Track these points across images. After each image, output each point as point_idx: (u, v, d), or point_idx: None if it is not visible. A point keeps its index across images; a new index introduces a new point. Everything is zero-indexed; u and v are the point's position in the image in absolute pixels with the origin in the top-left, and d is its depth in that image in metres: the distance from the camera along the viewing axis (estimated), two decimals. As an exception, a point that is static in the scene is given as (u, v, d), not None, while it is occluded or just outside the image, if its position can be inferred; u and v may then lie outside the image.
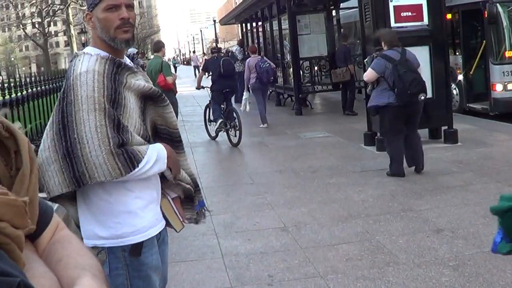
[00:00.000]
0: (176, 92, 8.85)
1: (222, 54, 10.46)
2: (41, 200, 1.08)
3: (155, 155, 1.98)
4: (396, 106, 6.00)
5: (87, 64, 1.94)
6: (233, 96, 9.89)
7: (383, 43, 6.31)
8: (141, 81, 2.06)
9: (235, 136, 8.97)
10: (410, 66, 6.04)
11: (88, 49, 2.05)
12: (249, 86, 11.04)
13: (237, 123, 8.89)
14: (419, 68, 6.23)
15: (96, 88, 1.88)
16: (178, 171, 2.13)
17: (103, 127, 1.85)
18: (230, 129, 9.10)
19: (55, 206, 2.14)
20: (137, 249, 2.00)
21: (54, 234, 1.11)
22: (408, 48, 7.27)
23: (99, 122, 1.85)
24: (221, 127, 9.09)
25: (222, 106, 9.19)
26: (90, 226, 1.99)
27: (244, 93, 11.08)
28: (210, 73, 9.66)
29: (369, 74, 6.26)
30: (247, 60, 11.74)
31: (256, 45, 18.07)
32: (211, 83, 9.48)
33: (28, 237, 1.00)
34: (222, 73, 9.04)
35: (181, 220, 2.22)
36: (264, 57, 12.13)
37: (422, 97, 6.02)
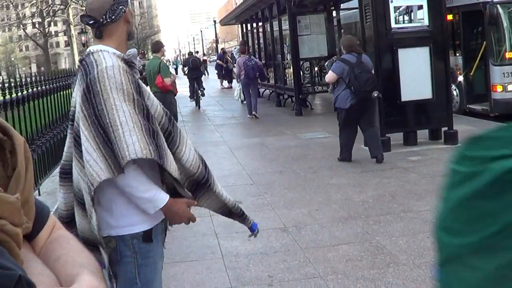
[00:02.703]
0: (176, 92, 8.87)
1: (194, 56, 17.61)
2: (37, 200, 1.08)
3: (153, 192, 2.04)
4: (351, 107, 6.87)
5: (110, 59, 2.03)
6: (201, 79, 16.85)
7: (342, 48, 7.25)
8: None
9: (199, 101, 15.70)
10: (365, 68, 6.86)
11: (100, 46, 2.11)
12: (239, 80, 13.49)
13: (200, 95, 15.83)
14: (372, 69, 7.13)
15: (124, 81, 1.98)
16: (178, 222, 2.18)
17: (135, 115, 1.96)
18: (198, 98, 15.66)
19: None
20: (148, 235, 2.11)
21: (51, 233, 1.11)
22: (408, 49, 7.42)
23: (131, 111, 1.96)
24: (192, 97, 16.09)
25: (195, 86, 16.08)
26: (103, 217, 2.08)
27: (237, 85, 14.60)
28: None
29: (330, 76, 7.10)
30: (237, 60, 13.64)
31: (257, 46, 18.20)
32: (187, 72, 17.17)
33: (25, 236, 1.00)
34: (190, 66, 16.69)
35: None
36: (252, 56, 13.73)
37: (375, 94, 6.82)
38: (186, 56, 21.80)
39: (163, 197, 2.08)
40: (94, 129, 1.97)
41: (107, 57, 2.03)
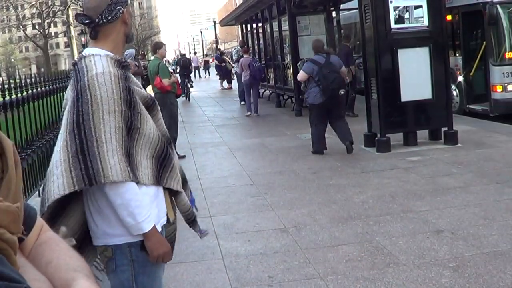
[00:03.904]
0: (180, 93, 8.91)
1: (185, 57, 21.87)
2: (24, 203, 1.08)
3: (145, 210, 1.97)
4: (319, 104, 7.62)
5: (101, 65, 1.95)
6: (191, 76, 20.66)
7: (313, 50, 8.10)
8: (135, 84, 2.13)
9: (189, 94, 18.91)
10: (333, 68, 7.61)
11: (93, 50, 2.04)
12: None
13: (190, 89, 19.24)
14: (342, 68, 7.88)
15: (114, 90, 1.91)
16: (161, 257, 2.06)
17: (121, 129, 1.90)
18: (188, 93, 18.76)
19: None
20: None
21: (39, 236, 1.11)
22: (407, 49, 7.51)
23: (118, 124, 1.90)
24: (183, 92, 16.95)
25: (185, 81, 18.57)
26: (100, 226, 2.02)
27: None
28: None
29: (301, 75, 7.85)
30: (240, 60, 13.79)
31: (256, 46, 18.21)
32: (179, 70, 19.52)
33: None
34: (181, 65, 20.23)
35: (174, 210, 2.26)
36: (255, 58, 14.56)
37: (342, 92, 7.62)
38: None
39: (152, 220, 2.00)
40: (70, 137, 1.90)
41: (98, 62, 1.96)
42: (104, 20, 2.02)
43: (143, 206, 1.95)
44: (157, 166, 2.08)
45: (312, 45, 8.17)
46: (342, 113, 7.99)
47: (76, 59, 2.05)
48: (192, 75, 35.98)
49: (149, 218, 1.98)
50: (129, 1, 2.14)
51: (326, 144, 7.91)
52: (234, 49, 22.55)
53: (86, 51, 2.05)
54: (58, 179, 1.88)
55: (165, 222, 2.15)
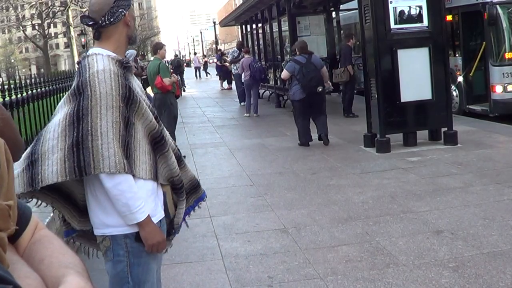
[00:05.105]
0: (179, 94, 8.93)
1: (179, 58, 23.18)
2: (19, 201, 1.08)
3: (139, 202, 2.04)
4: (301, 99, 8.37)
5: (102, 63, 2.06)
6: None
7: (296, 50, 8.71)
8: (136, 87, 2.20)
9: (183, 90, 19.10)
10: (312, 68, 8.34)
11: (97, 49, 2.15)
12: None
13: (184, 86, 21.21)
14: (323, 68, 8.56)
15: (113, 86, 2.01)
16: (156, 246, 2.14)
17: (118, 123, 1.99)
18: (181, 89, 17.19)
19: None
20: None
21: (34, 234, 1.11)
22: (407, 50, 7.52)
23: (115, 119, 1.99)
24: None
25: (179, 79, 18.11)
26: (98, 216, 2.12)
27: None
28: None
29: (284, 74, 8.75)
30: (241, 60, 14.00)
31: (256, 47, 18.22)
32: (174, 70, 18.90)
33: (8, 238, 1.00)
34: (176, 65, 21.58)
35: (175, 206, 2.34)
36: (256, 58, 14.73)
37: (320, 89, 8.32)
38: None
39: (146, 211, 2.09)
40: (69, 129, 1.99)
41: (99, 60, 2.07)
42: (107, 22, 2.13)
43: (137, 198, 2.04)
44: (155, 161, 2.18)
45: (297, 45, 8.78)
46: (323, 109, 8.57)
47: (80, 58, 2.17)
48: (193, 75, 36.69)
49: (143, 208, 2.06)
50: (131, 5, 2.23)
51: (311, 137, 8.60)
52: (231, 50, 22.78)
53: (90, 51, 2.18)
54: (53, 165, 1.97)
55: (162, 216, 2.23)
